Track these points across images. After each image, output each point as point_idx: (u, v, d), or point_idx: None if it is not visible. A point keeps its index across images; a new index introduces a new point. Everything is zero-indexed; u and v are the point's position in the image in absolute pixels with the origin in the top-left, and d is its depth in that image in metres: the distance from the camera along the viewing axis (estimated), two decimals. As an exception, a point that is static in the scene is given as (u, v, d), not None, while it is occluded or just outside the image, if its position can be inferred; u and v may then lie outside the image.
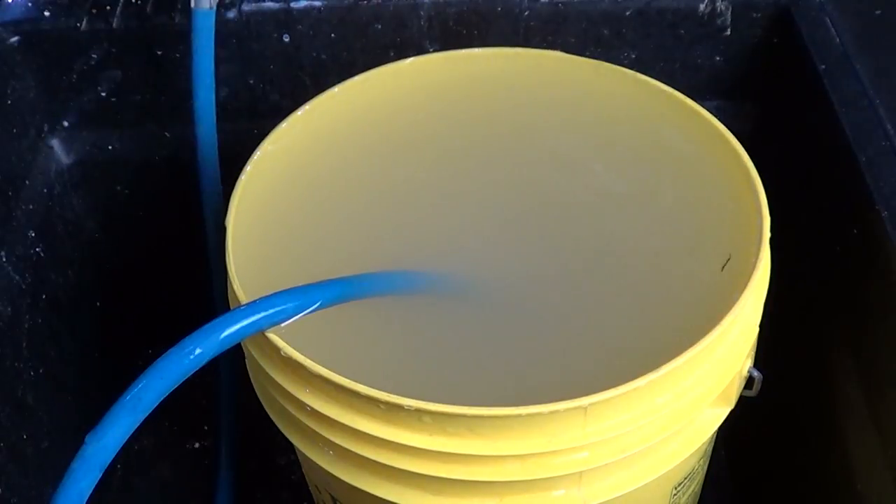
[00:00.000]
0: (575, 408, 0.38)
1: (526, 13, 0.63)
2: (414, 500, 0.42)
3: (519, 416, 0.38)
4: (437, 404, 0.38)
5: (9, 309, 0.59)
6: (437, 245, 0.65)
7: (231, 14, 0.63)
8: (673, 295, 0.59)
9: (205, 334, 0.38)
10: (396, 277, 0.55)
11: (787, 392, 0.61)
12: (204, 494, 0.73)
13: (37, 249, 0.63)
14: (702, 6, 0.63)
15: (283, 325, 0.42)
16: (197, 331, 0.38)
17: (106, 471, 0.35)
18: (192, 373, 0.38)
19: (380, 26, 0.63)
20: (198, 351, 0.38)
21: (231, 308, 0.47)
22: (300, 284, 0.54)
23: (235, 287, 0.44)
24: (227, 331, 0.39)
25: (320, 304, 0.43)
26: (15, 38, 0.63)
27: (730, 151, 0.49)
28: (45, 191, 0.66)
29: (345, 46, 0.64)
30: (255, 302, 0.40)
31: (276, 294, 0.41)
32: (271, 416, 0.46)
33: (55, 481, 0.35)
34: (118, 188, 0.71)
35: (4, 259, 0.59)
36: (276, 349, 0.41)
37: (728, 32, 0.64)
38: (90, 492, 0.36)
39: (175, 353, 0.38)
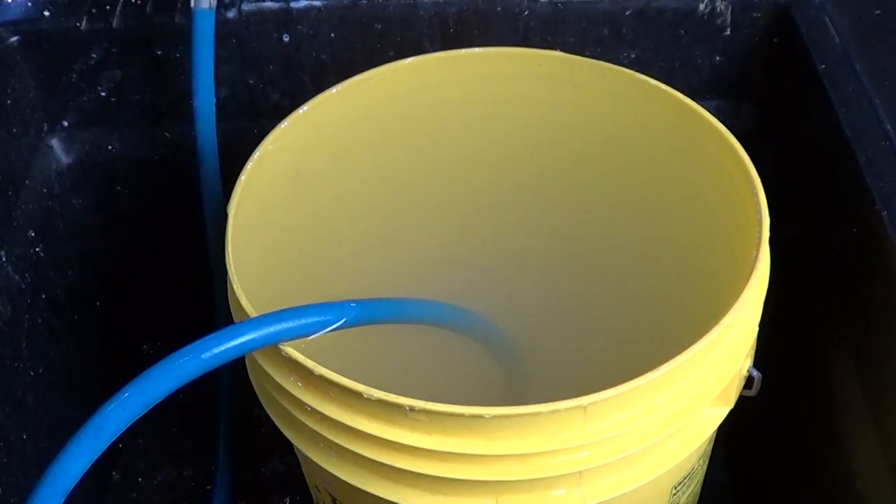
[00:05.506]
0: (574, 407, 0.38)
1: (526, 13, 0.63)
2: (414, 500, 0.42)
3: (518, 415, 0.38)
4: (437, 404, 0.38)
5: (9, 309, 0.59)
6: (436, 247, 0.65)
7: (231, 14, 0.63)
8: (672, 294, 0.59)
9: (161, 370, 0.38)
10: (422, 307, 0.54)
11: (786, 392, 0.61)
12: (203, 494, 0.73)
13: (37, 249, 0.63)
14: (702, 6, 0.63)
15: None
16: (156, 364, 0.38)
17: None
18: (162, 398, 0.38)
19: (380, 26, 0.63)
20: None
21: (231, 310, 0.47)
22: (298, 286, 0.55)
23: (235, 287, 0.44)
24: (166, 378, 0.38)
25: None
26: (15, 38, 0.63)
27: (729, 151, 0.49)
28: (45, 190, 0.66)
29: (345, 46, 0.64)
30: (214, 335, 0.40)
31: (245, 323, 0.41)
32: (271, 416, 0.46)
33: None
34: (118, 188, 0.71)
35: (4, 259, 0.59)
36: (277, 349, 0.41)
37: (728, 32, 0.64)
38: None
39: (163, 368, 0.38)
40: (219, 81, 0.62)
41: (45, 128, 0.67)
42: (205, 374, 0.39)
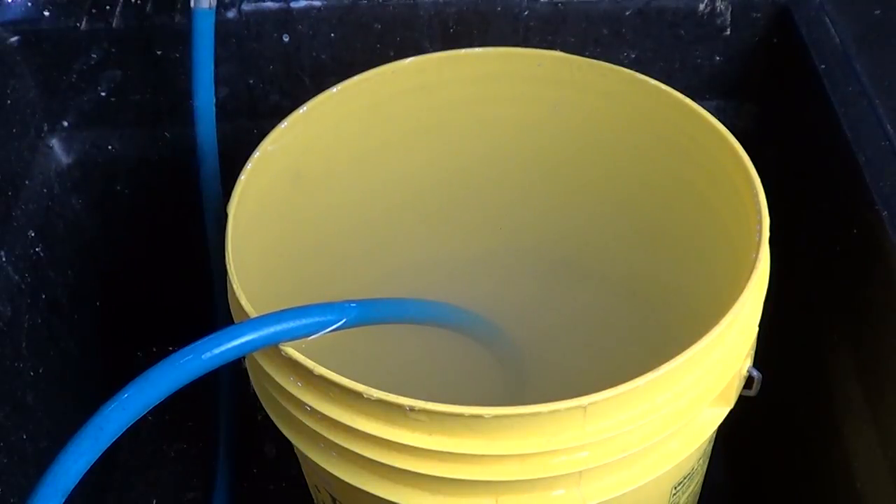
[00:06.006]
0: (574, 407, 0.38)
1: (526, 13, 0.63)
2: (414, 500, 0.42)
3: (518, 415, 0.38)
4: (437, 404, 0.38)
5: (9, 309, 0.59)
6: (436, 247, 0.65)
7: (231, 14, 0.63)
8: (672, 294, 0.59)
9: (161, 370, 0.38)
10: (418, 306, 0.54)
11: (786, 392, 0.61)
12: (203, 495, 0.73)
13: (37, 249, 0.63)
14: (701, 6, 0.63)
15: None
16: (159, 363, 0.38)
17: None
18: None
19: (380, 26, 0.63)
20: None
21: (231, 310, 0.47)
22: (297, 286, 0.55)
23: (235, 287, 0.44)
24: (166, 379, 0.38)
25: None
26: (15, 38, 0.63)
27: (729, 151, 0.49)
28: (45, 191, 0.66)
29: (345, 46, 0.64)
30: (213, 336, 0.40)
31: (244, 324, 0.41)
32: (271, 416, 0.46)
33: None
34: (118, 188, 0.71)
35: (4, 259, 0.59)
36: (277, 349, 0.41)
37: (728, 32, 0.64)
38: None
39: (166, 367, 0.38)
40: (219, 81, 0.62)
41: (45, 128, 0.67)
42: (205, 375, 0.39)
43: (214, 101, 0.61)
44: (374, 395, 0.39)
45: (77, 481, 0.36)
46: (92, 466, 0.37)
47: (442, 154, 0.61)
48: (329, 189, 0.58)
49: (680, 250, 0.58)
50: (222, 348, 0.39)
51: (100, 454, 0.37)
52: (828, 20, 0.61)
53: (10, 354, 0.59)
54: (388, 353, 0.56)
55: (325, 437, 0.42)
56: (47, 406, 0.62)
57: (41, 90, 0.65)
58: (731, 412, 0.45)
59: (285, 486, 0.74)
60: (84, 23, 0.63)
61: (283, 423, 0.45)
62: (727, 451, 0.71)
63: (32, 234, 0.63)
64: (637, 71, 0.54)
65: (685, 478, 0.49)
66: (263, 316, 0.41)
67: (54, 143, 0.68)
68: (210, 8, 0.59)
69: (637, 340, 0.59)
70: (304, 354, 0.41)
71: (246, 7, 0.63)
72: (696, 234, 0.55)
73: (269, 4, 0.63)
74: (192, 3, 0.58)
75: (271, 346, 0.41)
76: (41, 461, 0.59)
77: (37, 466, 0.59)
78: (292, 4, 0.63)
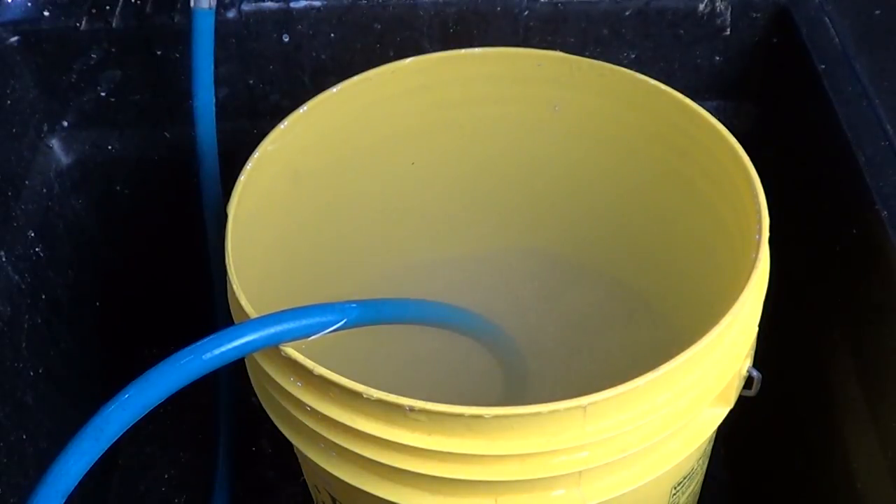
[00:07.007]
0: (574, 407, 0.38)
1: (526, 13, 0.63)
2: (413, 500, 0.42)
3: (518, 415, 0.38)
4: (437, 404, 0.38)
5: (9, 309, 0.59)
6: (436, 247, 0.65)
7: (231, 14, 0.63)
8: (672, 294, 0.59)
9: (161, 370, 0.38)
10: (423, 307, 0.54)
11: (786, 392, 0.61)
12: (203, 495, 0.73)
13: (36, 249, 0.63)
14: (701, 6, 0.63)
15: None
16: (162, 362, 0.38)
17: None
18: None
19: (379, 26, 0.63)
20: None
21: (231, 310, 0.47)
22: (298, 286, 0.55)
23: (235, 287, 0.44)
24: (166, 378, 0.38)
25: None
26: (15, 38, 0.63)
27: (729, 151, 0.49)
28: (45, 191, 0.66)
29: (344, 46, 0.64)
30: (211, 338, 0.40)
31: (241, 325, 0.41)
32: (271, 416, 0.46)
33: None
34: (117, 188, 0.71)
35: (4, 259, 0.59)
36: (277, 349, 0.41)
37: (727, 32, 0.64)
38: None
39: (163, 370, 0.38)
40: (219, 81, 0.62)
41: (45, 128, 0.67)
42: (205, 375, 0.39)
43: (214, 101, 0.61)
44: (374, 395, 0.39)
45: (77, 482, 0.36)
46: (92, 467, 0.37)
47: (442, 154, 0.61)
48: (329, 189, 0.58)
49: (680, 250, 0.58)
50: (223, 349, 0.39)
51: (100, 455, 0.37)
52: (828, 20, 0.61)
53: (10, 354, 0.59)
54: (388, 353, 0.57)
55: (325, 437, 0.42)
56: (47, 406, 0.62)
57: (41, 90, 0.65)
58: (731, 412, 0.45)
59: (285, 486, 0.74)
60: (84, 23, 0.63)
61: (283, 423, 0.45)
62: (727, 451, 0.71)
63: (32, 234, 0.63)
64: (637, 71, 0.54)
65: (685, 478, 0.49)
66: (264, 316, 0.41)
67: (54, 143, 0.68)
68: (210, 8, 0.59)
69: (637, 340, 0.59)
70: (304, 354, 0.41)
71: (246, 7, 0.63)
72: (696, 234, 0.55)
73: (269, 4, 0.63)
74: (192, 3, 0.58)
75: (271, 347, 0.41)
76: (41, 461, 0.59)
77: (37, 466, 0.59)
78: (292, 4, 0.63)
